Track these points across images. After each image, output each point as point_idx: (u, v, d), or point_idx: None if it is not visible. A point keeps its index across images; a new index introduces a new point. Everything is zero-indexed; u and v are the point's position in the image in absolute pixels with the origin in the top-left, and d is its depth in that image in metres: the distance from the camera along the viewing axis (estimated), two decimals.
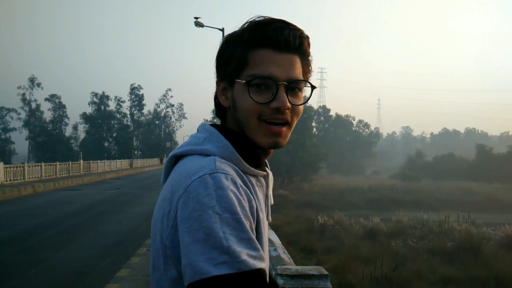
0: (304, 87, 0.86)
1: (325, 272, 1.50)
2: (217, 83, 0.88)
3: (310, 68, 0.87)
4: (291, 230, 13.71)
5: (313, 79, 0.90)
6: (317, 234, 13.57)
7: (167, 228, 0.75)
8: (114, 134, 57.23)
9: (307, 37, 0.85)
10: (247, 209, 0.73)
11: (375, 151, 70.70)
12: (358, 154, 65.53)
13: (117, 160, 42.50)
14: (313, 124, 54.48)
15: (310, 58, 0.86)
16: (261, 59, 0.80)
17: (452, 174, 43.38)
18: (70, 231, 8.99)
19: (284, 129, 0.83)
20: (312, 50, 0.86)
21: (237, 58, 0.82)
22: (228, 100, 0.86)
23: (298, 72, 0.83)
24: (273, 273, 1.69)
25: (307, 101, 0.87)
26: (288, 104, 0.80)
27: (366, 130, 74.34)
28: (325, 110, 69.54)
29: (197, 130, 0.88)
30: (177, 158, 0.84)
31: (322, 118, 67.92)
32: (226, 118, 0.89)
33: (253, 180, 0.83)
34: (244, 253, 0.67)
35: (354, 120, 73.22)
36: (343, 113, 72.83)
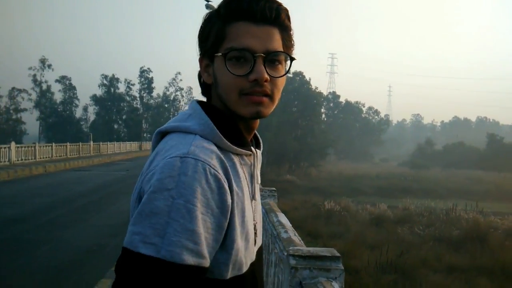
0: (286, 61, 0.85)
1: (337, 254, 1.52)
2: (200, 60, 0.88)
3: (291, 42, 0.86)
4: (298, 215, 13.77)
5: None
6: (324, 219, 13.62)
7: (134, 202, 0.77)
8: (124, 117, 57.45)
9: (285, 9, 0.84)
10: (213, 203, 0.72)
11: (384, 138, 70.22)
12: (367, 141, 65.14)
13: (127, 142, 42.87)
14: (323, 110, 54.07)
15: (291, 32, 0.85)
16: (238, 31, 0.80)
17: (462, 163, 43.02)
18: (81, 211, 9.16)
19: (265, 99, 0.82)
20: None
21: (215, 32, 0.82)
22: (211, 76, 0.86)
23: (277, 45, 0.82)
24: (285, 253, 1.71)
25: (286, 73, 0.85)
26: (266, 76, 0.79)
27: (376, 117, 73.67)
28: (335, 96, 68.95)
29: (188, 107, 0.89)
30: (163, 134, 0.85)
31: (331, 105, 67.41)
32: (211, 95, 0.89)
33: (236, 159, 0.83)
34: (179, 244, 0.67)
35: (364, 106, 72.54)
36: (353, 99, 72.28)
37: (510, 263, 9.01)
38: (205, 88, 0.90)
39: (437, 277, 8.10)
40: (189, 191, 0.69)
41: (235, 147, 0.82)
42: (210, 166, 0.73)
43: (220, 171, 0.75)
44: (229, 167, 0.78)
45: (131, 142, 44.47)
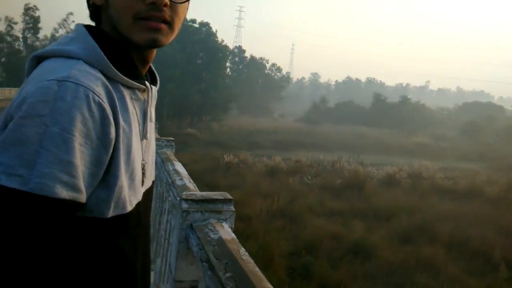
0: None
1: (229, 197, 1.57)
2: None
3: None
4: (197, 168, 13.92)
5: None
6: (222, 172, 14.05)
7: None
8: (3, 59, 50.63)
9: None
10: (94, 134, 0.64)
11: (284, 95, 72.99)
12: (268, 97, 67.08)
13: (6, 89, 38.19)
14: (228, 64, 53.88)
15: None
16: None
17: (350, 119, 46.95)
18: None
19: (163, 26, 0.73)
20: None
21: None
22: None
23: None
24: (178, 199, 1.77)
25: (188, 0, 0.77)
26: (166, 0, 0.71)
27: (278, 74, 75.83)
28: (240, 50, 68.84)
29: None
30: (40, 60, 0.73)
31: (237, 59, 67.34)
32: (101, 20, 0.79)
33: (126, 92, 0.74)
34: (51, 176, 0.59)
35: (268, 63, 73.95)
36: (257, 55, 72.94)
37: (380, 207, 10.46)
38: (94, 10, 0.79)
39: (320, 221, 9.07)
40: (66, 118, 0.60)
41: (126, 78, 0.73)
42: (94, 93, 0.65)
43: (105, 100, 0.67)
44: (116, 99, 0.70)
45: (11, 88, 39.68)
